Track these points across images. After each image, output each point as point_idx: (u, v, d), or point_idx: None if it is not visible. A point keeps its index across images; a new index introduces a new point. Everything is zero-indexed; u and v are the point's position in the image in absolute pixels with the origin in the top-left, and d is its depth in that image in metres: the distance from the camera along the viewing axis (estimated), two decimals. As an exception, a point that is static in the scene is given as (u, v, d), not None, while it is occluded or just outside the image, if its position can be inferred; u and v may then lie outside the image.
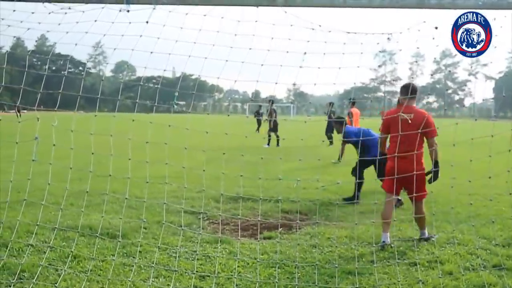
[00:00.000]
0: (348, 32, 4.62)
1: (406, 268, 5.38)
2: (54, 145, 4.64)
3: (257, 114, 35.81)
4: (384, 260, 5.64)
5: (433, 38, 4.48)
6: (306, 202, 8.85)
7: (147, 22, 4.61)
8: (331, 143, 20.13)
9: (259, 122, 34.10)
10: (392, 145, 6.18)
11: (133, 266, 5.15)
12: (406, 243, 6.30)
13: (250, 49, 4.75)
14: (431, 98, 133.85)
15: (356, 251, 5.84)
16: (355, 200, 8.89)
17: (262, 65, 4.90)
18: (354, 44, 4.80)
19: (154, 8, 4.51)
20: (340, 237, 6.59)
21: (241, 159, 6.80)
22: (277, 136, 20.34)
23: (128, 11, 4.58)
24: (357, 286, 4.76)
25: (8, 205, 5.92)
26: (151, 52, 4.79)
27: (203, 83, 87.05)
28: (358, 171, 8.73)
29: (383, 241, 6.14)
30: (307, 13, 4.76)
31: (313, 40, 4.78)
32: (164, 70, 5.11)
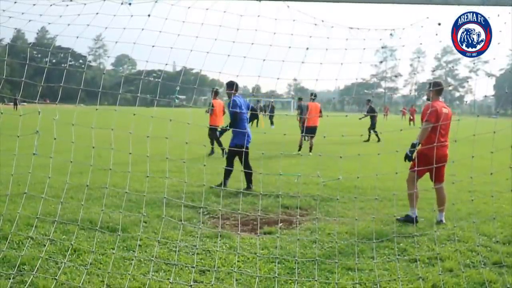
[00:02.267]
0: (351, 28, 4.60)
1: (406, 264, 5.38)
2: (55, 138, 4.63)
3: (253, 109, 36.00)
4: (385, 257, 5.64)
5: (436, 34, 4.46)
6: (307, 198, 8.85)
7: (149, 15, 4.59)
8: None
9: (256, 117, 34.30)
10: (432, 135, 6.76)
11: (133, 260, 5.14)
12: (406, 240, 6.29)
13: (252, 44, 4.72)
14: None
15: (356, 247, 5.83)
16: (222, 186, 9.06)
17: (264, 60, 4.88)
18: (357, 40, 4.78)
19: (156, 1, 4.49)
20: (341, 232, 6.59)
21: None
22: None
23: (130, 4, 4.57)
24: (357, 282, 4.77)
25: (8, 198, 5.92)
26: (153, 46, 4.77)
27: (203, 77, 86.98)
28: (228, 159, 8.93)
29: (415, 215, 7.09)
30: (310, 8, 4.74)
31: (316, 35, 4.76)
32: (166, 64, 5.09)
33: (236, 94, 9.49)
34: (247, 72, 5.07)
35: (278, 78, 4.98)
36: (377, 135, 23.06)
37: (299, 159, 14.49)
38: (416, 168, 6.94)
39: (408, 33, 4.65)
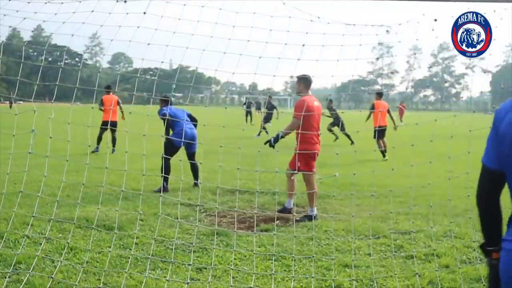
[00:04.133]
0: (347, 24, 4.60)
1: (402, 261, 5.39)
2: (50, 137, 4.62)
3: (247, 105, 36.36)
4: (381, 253, 5.65)
5: (433, 30, 4.46)
6: (303, 195, 8.84)
7: (144, 13, 4.58)
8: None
9: (250, 114, 34.67)
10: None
11: (129, 258, 5.14)
12: (403, 236, 6.31)
13: (248, 41, 4.72)
14: (428, 91, 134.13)
15: (353, 244, 5.84)
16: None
17: (260, 57, 4.88)
18: (353, 36, 4.78)
19: (151, -1, 4.48)
20: (337, 229, 6.60)
21: (238, 152, 6.79)
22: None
23: (125, 1, 4.55)
24: (354, 279, 4.77)
25: (4, 196, 5.90)
26: (148, 44, 4.76)
27: (200, 75, 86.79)
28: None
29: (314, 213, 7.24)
30: (306, 5, 4.73)
31: (312, 32, 4.76)
32: (162, 62, 5.08)
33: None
34: (243, 70, 5.07)
35: (274, 75, 4.98)
36: (349, 137, 19.32)
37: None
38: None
39: (404, 30, 4.65)
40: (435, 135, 6.14)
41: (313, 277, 4.73)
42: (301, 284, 4.72)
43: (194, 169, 9.63)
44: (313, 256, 5.22)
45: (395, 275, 4.83)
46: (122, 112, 14.55)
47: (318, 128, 7.36)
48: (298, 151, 6.76)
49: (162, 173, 8.64)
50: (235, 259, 5.32)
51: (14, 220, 5.98)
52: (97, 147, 14.25)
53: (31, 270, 4.60)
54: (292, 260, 5.25)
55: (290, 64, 5.25)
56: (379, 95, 15.59)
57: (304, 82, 7.27)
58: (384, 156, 12.94)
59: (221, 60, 4.76)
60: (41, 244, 5.42)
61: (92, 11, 4.75)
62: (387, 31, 4.87)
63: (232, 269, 4.92)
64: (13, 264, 4.75)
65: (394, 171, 5.49)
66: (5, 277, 4.52)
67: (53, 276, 4.48)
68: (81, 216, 6.67)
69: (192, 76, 6.03)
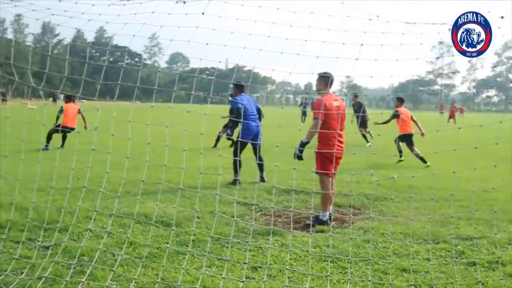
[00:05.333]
0: (407, 23, 4.48)
1: (464, 268, 5.19)
2: (112, 135, 4.77)
3: (303, 105, 36.35)
4: (441, 259, 5.47)
5: (499, 28, 4.29)
6: (360, 196, 8.71)
7: (203, 13, 4.63)
8: None
9: (305, 114, 34.67)
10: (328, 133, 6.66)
11: (186, 254, 5.22)
12: (464, 242, 6.08)
13: (305, 40, 4.68)
14: (492, 92, 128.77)
15: (411, 248, 5.69)
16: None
17: (317, 57, 4.83)
18: (413, 35, 4.65)
19: (210, -1, 4.53)
20: (395, 233, 6.45)
21: (294, 152, 6.77)
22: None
23: (184, 2, 4.63)
24: (412, 284, 4.65)
25: (69, 191, 6.15)
26: (207, 44, 4.81)
27: (255, 75, 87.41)
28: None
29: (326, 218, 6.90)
30: (364, 4, 4.65)
31: (370, 31, 4.67)
32: (219, 62, 5.13)
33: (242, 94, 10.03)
34: (300, 69, 5.04)
35: (331, 75, 4.93)
36: (365, 136, 18.96)
37: (352, 157, 14.29)
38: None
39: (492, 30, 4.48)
40: (499, 137, 5.89)
41: (369, 280, 4.64)
42: (357, 287, 4.65)
43: (260, 165, 9.83)
44: (369, 259, 5.12)
45: (456, 282, 4.66)
46: (84, 120, 14.86)
47: (340, 128, 6.76)
48: (316, 151, 6.66)
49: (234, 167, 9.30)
50: (290, 259, 5.30)
51: (78, 214, 6.22)
52: (46, 146, 14.05)
53: (93, 262, 4.76)
54: (348, 262, 5.17)
55: (347, 64, 5.17)
56: (401, 101, 14.76)
57: (325, 80, 6.90)
58: (425, 162, 12.33)
59: (278, 59, 4.76)
60: (102, 238, 5.61)
61: (153, 12, 4.86)
62: (449, 29, 4.71)
63: (287, 269, 4.91)
64: (77, 256, 4.94)
65: (455, 174, 5.29)
66: (70, 268, 4.70)
67: (114, 269, 4.62)
68: (140, 212, 6.86)
69: (247, 76, 6.07)
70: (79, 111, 15.75)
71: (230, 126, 10.95)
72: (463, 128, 5.25)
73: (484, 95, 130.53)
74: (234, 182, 9.44)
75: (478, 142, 4.83)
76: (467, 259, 5.43)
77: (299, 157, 6.80)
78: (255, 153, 9.88)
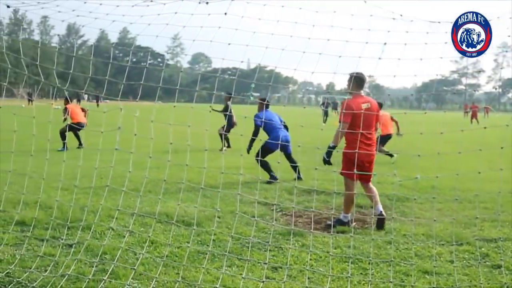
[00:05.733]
0: (432, 22, 4.42)
1: (488, 270, 5.10)
2: (135, 134, 4.81)
3: (324, 105, 36.33)
4: (464, 261, 5.39)
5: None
6: (381, 197, 8.61)
7: (225, 13, 4.65)
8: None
9: (327, 114, 34.68)
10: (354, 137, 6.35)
11: (207, 253, 5.25)
12: (488, 244, 5.97)
13: (328, 40, 4.66)
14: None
15: (433, 250, 5.62)
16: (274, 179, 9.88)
17: (340, 56, 4.80)
18: (438, 34, 4.58)
19: (232, 0, 4.54)
20: (417, 234, 6.37)
21: (315, 152, 6.74)
22: None
23: (207, 3, 4.65)
24: (435, 286, 4.58)
25: (92, 190, 6.24)
26: (229, 44, 4.82)
27: (277, 74, 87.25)
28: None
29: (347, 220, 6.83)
30: (388, 3, 4.60)
31: (394, 30, 4.62)
32: (241, 62, 5.13)
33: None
34: (322, 69, 5.01)
35: (353, 76, 4.88)
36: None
37: (374, 158, 14.16)
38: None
39: (494, 26, 4.41)
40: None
41: (391, 281, 4.60)
42: (378, 288, 4.61)
43: (294, 167, 10.31)
44: (391, 260, 5.07)
45: (480, 284, 4.59)
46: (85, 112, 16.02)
47: (368, 132, 6.55)
48: (343, 151, 6.56)
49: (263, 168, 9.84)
50: (310, 259, 5.28)
51: (101, 213, 6.30)
52: (64, 146, 14.19)
53: (115, 261, 4.81)
54: (369, 263, 5.13)
55: (370, 63, 5.12)
56: (380, 105, 14.63)
57: (356, 81, 6.68)
58: (391, 156, 13.37)
59: (300, 59, 4.74)
60: (124, 236, 5.67)
61: (176, 13, 4.89)
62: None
63: (308, 270, 4.89)
64: (99, 255, 5.01)
65: (480, 175, 5.20)
66: (92, 266, 4.77)
67: (135, 267, 4.67)
68: (161, 211, 6.91)
69: (269, 76, 6.05)
70: (83, 109, 16.25)
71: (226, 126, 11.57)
72: (489, 128, 5.16)
73: (510, 95, 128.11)
74: (273, 178, 9.94)
75: (504, 143, 4.74)
76: (491, 261, 5.34)
77: (327, 162, 6.64)
78: (288, 159, 10.52)
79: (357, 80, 6.68)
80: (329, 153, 6.61)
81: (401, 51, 4.68)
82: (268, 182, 9.84)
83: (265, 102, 10.53)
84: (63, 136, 15.12)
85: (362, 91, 6.78)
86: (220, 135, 14.59)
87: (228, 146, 14.63)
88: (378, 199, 6.83)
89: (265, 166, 9.92)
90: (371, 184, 6.94)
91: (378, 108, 7.01)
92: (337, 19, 4.54)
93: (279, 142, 9.43)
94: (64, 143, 14.41)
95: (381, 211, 6.68)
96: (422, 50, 4.64)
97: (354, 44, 4.67)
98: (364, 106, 6.56)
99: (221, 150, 13.72)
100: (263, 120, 9.99)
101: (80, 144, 15.17)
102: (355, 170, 5.76)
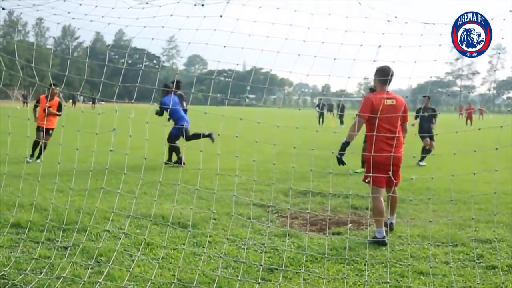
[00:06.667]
0: (426, 23, 4.44)
1: (483, 271, 5.12)
2: (130, 136, 4.81)
3: (319, 107, 36.47)
4: (459, 262, 5.41)
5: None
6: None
7: (221, 16, 4.66)
8: None
9: (322, 116, 34.80)
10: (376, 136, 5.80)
11: (202, 255, 5.25)
12: (483, 245, 6.00)
13: (323, 42, 4.67)
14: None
15: (429, 251, 5.64)
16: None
17: (334, 59, 4.82)
18: (432, 36, 4.61)
19: (228, 2, 4.55)
20: (412, 235, 6.39)
21: (311, 154, 6.75)
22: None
23: (202, 5, 4.66)
24: (430, 287, 4.60)
25: (87, 192, 6.22)
26: (224, 46, 4.83)
27: (273, 77, 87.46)
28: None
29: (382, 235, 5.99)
30: (383, 5, 4.62)
31: (388, 32, 4.64)
32: (237, 64, 5.14)
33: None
34: (318, 71, 5.02)
35: (349, 77, 4.88)
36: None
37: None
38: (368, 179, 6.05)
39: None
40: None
41: (387, 282, 4.61)
42: (374, 289, 4.61)
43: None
44: (387, 261, 5.09)
45: (476, 285, 4.60)
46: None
47: (392, 130, 5.95)
48: (362, 154, 6.30)
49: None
50: (306, 261, 5.29)
51: (96, 215, 6.29)
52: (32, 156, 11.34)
53: (111, 263, 4.81)
54: (364, 264, 5.14)
55: (365, 66, 5.14)
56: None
57: (379, 74, 6.10)
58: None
59: (296, 61, 4.75)
60: (120, 238, 5.66)
61: (171, 15, 4.89)
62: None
63: (303, 272, 4.90)
64: (95, 257, 4.99)
65: (474, 176, 5.22)
66: (88, 268, 4.75)
67: (131, 270, 4.66)
68: (157, 213, 6.91)
69: (265, 78, 6.07)
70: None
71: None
72: (483, 130, 5.18)
73: (505, 96, 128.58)
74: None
75: (499, 144, 4.76)
76: (486, 262, 5.36)
77: (341, 161, 6.11)
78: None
79: (380, 74, 6.09)
80: (342, 150, 6.05)
81: (396, 53, 4.71)
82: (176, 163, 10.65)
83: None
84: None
85: (387, 87, 6.19)
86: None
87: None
88: (395, 210, 6.57)
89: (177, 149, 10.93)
90: (396, 189, 6.37)
91: (406, 107, 6.29)
92: (332, 21, 4.56)
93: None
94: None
95: (392, 223, 6.43)
96: (417, 52, 4.67)
97: (349, 46, 4.69)
98: (388, 102, 6.00)
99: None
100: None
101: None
102: (381, 174, 5.49)
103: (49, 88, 10.18)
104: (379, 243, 5.93)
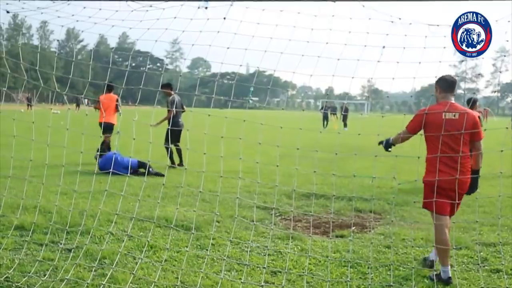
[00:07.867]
0: (431, 25, 4.43)
1: (487, 274, 5.10)
2: (134, 138, 4.82)
3: (323, 109, 36.52)
4: (463, 265, 5.38)
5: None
6: (380, 201, 8.63)
7: (224, 18, 4.66)
8: None
9: (327, 118, 34.79)
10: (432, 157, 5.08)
11: (206, 258, 5.24)
12: (487, 248, 5.97)
13: (326, 43, 4.67)
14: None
15: (433, 254, 5.61)
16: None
17: (338, 59, 4.80)
18: (436, 38, 4.60)
19: (231, 4, 4.55)
20: (416, 238, 6.37)
21: (314, 156, 6.73)
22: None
23: (206, 7, 4.66)
24: (434, 290, 4.58)
25: (91, 195, 6.23)
26: (228, 48, 4.83)
27: (276, 79, 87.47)
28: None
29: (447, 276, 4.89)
30: (386, 6, 4.61)
31: (392, 33, 4.63)
32: (240, 66, 5.14)
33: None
34: (321, 72, 5.01)
35: (352, 77, 4.84)
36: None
37: (373, 162, 14.18)
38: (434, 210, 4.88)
39: (492, 30, 4.42)
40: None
41: (391, 285, 4.59)
42: (377, 292, 4.60)
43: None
44: (391, 264, 5.07)
45: (480, 288, 4.58)
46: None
47: (453, 149, 4.91)
48: (423, 179, 5.19)
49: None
50: (309, 264, 5.28)
51: (100, 217, 6.30)
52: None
53: (114, 265, 4.81)
54: (368, 267, 5.13)
55: (369, 67, 5.12)
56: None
57: (440, 84, 5.16)
58: None
59: (299, 63, 4.75)
60: (123, 241, 5.66)
61: (175, 18, 4.90)
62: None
63: (307, 275, 4.89)
64: (98, 259, 5.00)
65: (480, 178, 5.20)
66: (91, 271, 4.76)
67: (134, 272, 4.66)
68: (160, 215, 6.90)
69: (268, 80, 6.07)
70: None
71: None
72: (488, 132, 5.16)
73: (509, 99, 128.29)
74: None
75: (503, 146, 4.73)
76: (490, 265, 5.33)
77: (385, 147, 5.51)
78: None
79: (441, 83, 5.15)
80: (387, 145, 5.51)
81: (400, 55, 4.69)
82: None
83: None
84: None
85: (452, 97, 5.15)
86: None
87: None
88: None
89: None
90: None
91: (476, 123, 5.02)
92: (336, 22, 4.56)
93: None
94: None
95: (433, 261, 5.35)
96: (421, 54, 4.65)
97: (353, 48, 4.68)
98: (448, 116, 4.93)
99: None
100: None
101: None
102: (443, 201, 4.70)
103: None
104: (447, 282, 4.84)
